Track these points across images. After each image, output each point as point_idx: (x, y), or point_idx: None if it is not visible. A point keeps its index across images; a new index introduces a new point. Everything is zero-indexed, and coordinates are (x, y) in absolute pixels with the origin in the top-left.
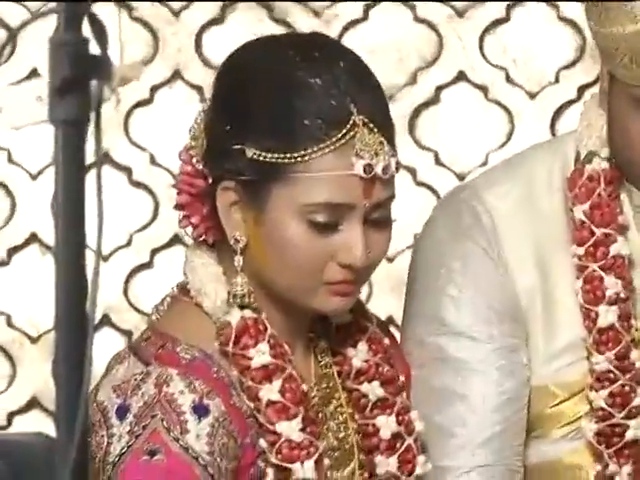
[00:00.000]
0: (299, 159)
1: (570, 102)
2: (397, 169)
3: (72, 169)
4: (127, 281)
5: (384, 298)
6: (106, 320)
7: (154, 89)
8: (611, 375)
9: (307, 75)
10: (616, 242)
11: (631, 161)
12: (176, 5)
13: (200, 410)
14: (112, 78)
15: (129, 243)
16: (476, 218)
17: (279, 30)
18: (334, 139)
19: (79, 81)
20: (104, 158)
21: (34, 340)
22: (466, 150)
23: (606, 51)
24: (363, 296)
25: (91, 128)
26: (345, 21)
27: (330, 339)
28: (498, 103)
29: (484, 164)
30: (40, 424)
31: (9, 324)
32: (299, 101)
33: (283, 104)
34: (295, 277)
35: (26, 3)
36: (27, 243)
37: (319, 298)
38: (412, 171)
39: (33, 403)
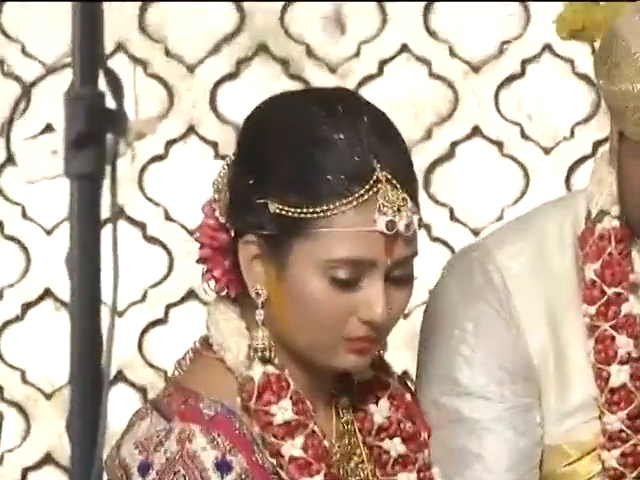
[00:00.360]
0: (321, 214)
1: (585, 157)
2: (420, 226)
3: (87, 223)
4: (141, 337)
5: (399, 353)
6: (120, 376)
7: (169, 144)
8: (623, 435)
9: (330, 130)
10: (627, 301)
11: (633, 211)
12: (191, 60)
13: (223, 467)
14: (128, 132)
15: (143, 298)
16: (487, 278)
17: (294, 86)
18: (356, 195)
19: (95, 135)
20: (119, 214)
21: (48, 396)
22: (481, 205)
23: (615, 109)
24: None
25: (107, 182)
26: (360, 76)
27: (351, 395)
28: (513, 158)
29: (499, 219)
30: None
31: (24, 380)
32: (322, 156)
33: (306, 159)
34: (315, 333)
35: (40, 58)
36: (41, 298)
37: (339, 355)
38: (427, 227)
39: (47, 459)
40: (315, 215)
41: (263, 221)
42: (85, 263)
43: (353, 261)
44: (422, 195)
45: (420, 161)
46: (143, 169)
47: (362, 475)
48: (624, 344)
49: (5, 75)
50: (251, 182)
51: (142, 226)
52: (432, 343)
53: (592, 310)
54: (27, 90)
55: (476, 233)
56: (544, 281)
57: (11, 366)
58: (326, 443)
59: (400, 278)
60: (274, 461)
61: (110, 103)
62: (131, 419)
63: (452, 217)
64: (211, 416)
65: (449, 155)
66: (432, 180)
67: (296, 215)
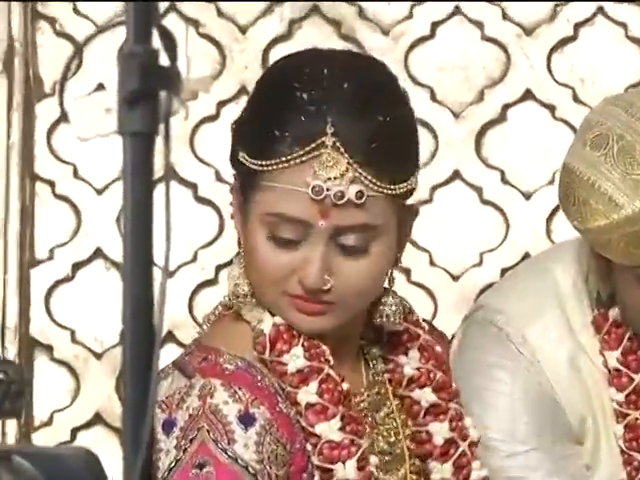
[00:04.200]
0: (267, 168)
1: None
2: (364, 199)
3: (140, 182)
4: (192, 297)
5: (448, 316)
6: (170, 336)
7: (220, 105)
8: None
9: (298, 90)
10: None
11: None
12: (243, 21)
13: (246, 419)
14: (181, 90)
15: (194, 259)
16: (526, 361)
17: (346, 47)
18: (294, 155)
19: (148, 93)
20: (171, 173)
21: (98, 356)
22: (533, 169)
23: (599, 244)
24: (428, 315)
25: (159, 141)
26: (413, 38)
27: (382, 347)
28: (565, 122)
29: (550, 182)
30: (104, 440)
31: (73, 339)
32: (277, 113)
33: (264, 113)
34: (261, 286)
35: (91, 17)
36: (92, 258)
37: (287, 312)
38: (478, 190)
39: (97, 419)
40: (262, 168)
41: (238, 169)
42: (137, 223)
43: (289, 219)
44: (473, 158)
45: (472, 124)
46: (194, 129)
47: (392, 425)
48: None
49: (57, 34)
50: (234, 126)
51: (193, 186)
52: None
53: (621, 397)
54: (79, 49)
55: (527, 196)
56: (574, 352)
57: (61, 326)
58: (345, 385)
59: (351, 247)
60: (293, 409)
61: (164, 61)
62: None
63: (503, 180)
64: (231, 370)
65: (501, 118)
66: (483, 143)
67: (251, 166)
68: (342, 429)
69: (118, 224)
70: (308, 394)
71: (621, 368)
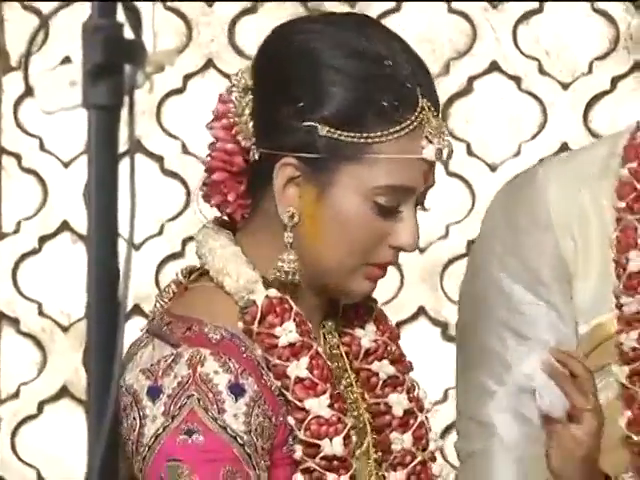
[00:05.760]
0: (376, 140)
1: (603, 93)
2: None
3: (105, 155)
4: (158, 270)
5: (415, 289)
6: (137, 309)
7: (187, 78)
8: None
9: (379, 57)
10: None
11: None
12: None
13: (236, 389)
14: (146, 63)
15: (160, 232)
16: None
17: None
18: (408, 122)
19: (113, 66)
20: (137, 146)
21: (65, 329)
22: (498, 141)
23: None
24: (394, 287)
25: (124, 114)
26: (378, 12)
27: (337, 320)
28: (531, 94)
29: (516, 155)
30: (70, 412)
31: (40, 313)
32: (375, 82)
33: (359, 83)
34: (344, 255)
35: None
36: (58, 231)
37: (356, 280)
38: (444, 161)
39: (63, 392)
40: (369, 140)
41: (308, 143)
42: (102, 196)
43: (397, 188)
44: None
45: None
46: (161, 102)
47: (352, 397)
48: None
49: (24, 8)
50: (300, 105)
51: (159, 159)
52: None
53: (622, 204)
54: (45, 22)
55: (493, 168)
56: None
57: (28, 299)
58: (332, 366)
59: (421, 206)
60: (279, 383)
61: (128, 34)
62: (130, 350)
63: (469, 152)
64: (218, 340)
65: (467, 90)
66: (450, 115)
67: (348, 139)
68: (331, 406)
69: (84, 197)
70: (299, 368)
71: (630, 177)
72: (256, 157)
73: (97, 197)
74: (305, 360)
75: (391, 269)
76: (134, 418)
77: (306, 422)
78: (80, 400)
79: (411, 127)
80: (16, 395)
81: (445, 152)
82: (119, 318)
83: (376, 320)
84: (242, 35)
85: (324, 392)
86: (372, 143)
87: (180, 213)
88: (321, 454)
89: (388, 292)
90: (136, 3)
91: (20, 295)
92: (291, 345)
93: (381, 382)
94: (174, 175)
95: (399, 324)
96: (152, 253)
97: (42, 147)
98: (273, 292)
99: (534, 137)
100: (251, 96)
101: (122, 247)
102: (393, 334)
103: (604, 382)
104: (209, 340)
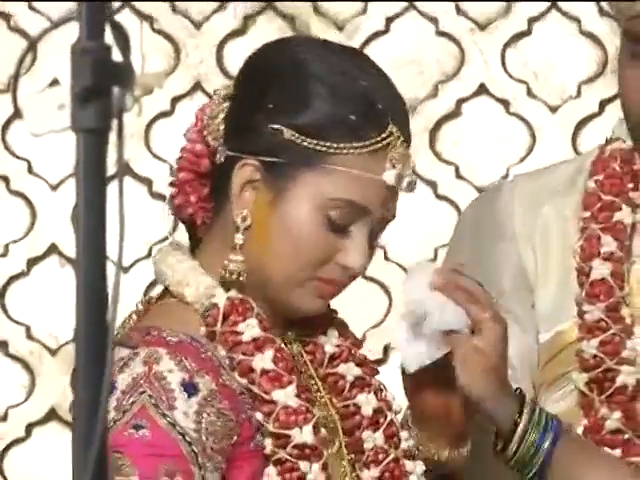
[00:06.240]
0: (337, 151)
1: (592, 116)
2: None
3: (93, 178)
4: (147, 293)
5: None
6: None
7: (175, 100)
8: (602, 324)
9: (358, 76)
10: (620, 210)
11: (628, 112)
12: (197, 17)
13: (189, 388)
14: (134, 85)
15: (149, 254)
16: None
17: None
18: (373, 141)
19: (101, 89)
20: (125, 169)
21: (53, 352)
22: (487, 164)
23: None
24: (383, 310)
25: (113, 137)
26: (367, 34)
27: (297, 330)
28: (519, 117)
29: (504, 178)
30: (58, 435)
31: (28, 336)
32: (350, 94)
33: (333, 93)
34: (292, 265)
35: (46, 12)
36: (47, 254)
37: (301, 294)
38: (432, 184)
39: (52, 415)
40: (331, 150)
41: (271, 147)
42: (91, 219)
43: (353, 205)
44: (428, 153)
45: (426, 119)
46: (149, 125)
47: (322, 401)
48: (608, 243)
49: (11, 29)
50: (270, 106)
51: (148, 182)
52: None
53: (587, 214)
54: (33, 44)
55: (481, 191)
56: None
57: (16, 322)
58: (295, 362)
59: (376, 235)
60: (244, 380)
61: (117, 57)
62: None
63: (458, 175)
64: (175, 342)
65: (455, 113)
66: (438, 138)
67: (311, 146)
68: (298, 396)
69: (73, 220)
70: (264, 361)
71: (596, 188)
72: (222, 159)
73: (86, 220)
74: (270, 353)
75: (379, 292)
76: None
77: (274, 414)
78: (68, 423)
79: (375, 147)
80: (4, 418)
81: (406, 181)
82: (107, 341)
83: (337, 326)
84: (230, 57)
85: (290, 383)
86: (332, 154)
87: (168, 236)
88: (292, 444)
89: (376, 316)
90: (123, 24)
91: (8, 318)
92: (255, 340)
93: (348, 384)
94: (162, 198)
95: (387, 349)
96: (140, 276)
97: (30, 170)
98: (234, 293)
99: (522, 160)
100: (229, 102)
101: (111, 270)
102: (356, 341)
103: (564, 389)
104: (167, 342)
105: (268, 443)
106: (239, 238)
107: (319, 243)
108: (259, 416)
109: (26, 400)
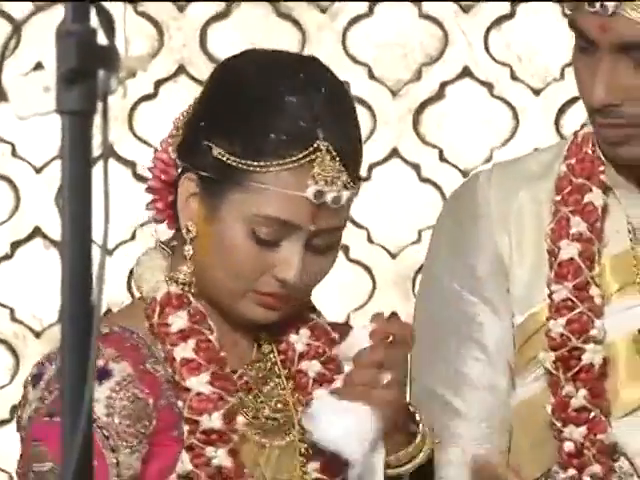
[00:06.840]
0: (257, 169)
1: (575, 99)
2: (349, 204)
3: (78, 160)
4: (131, 275)
5: (387, 293)
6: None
7: (159, 84)
8: (569, 303)
9: (285, 92)
10: (591, 192)
11: (583, 101)
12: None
13: (102, 374)
14: (119, 68)
15: (133, 237)
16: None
17: (284, 25)
18: (294, 158)
19: (86, 71)
20: (110, 151)
21: (37, 334)
22: (470, 146)
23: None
24: (366, 292)
25: (98, 119)
26: (350, 16)
27: (271, 330)
28: (503, 99)
29: (488, 160)
30: None
31: (13, 318)
32: (270, 115)
33: (255, 114)
34: (228, 278)
35: None
36: (31, 237)
37: (246, 305)
38: (416, 167)
39: None
40: (251, 168)
41: (205, 163)
42: (75, 201)
43: (278, 221)
44: (411, 136)
45: (409, 102)
46: (133, 108)
47: (279, 396)
48: (577, 224)
49: None
50: (202, 124)
51: (132, 165)
52: None
53: (558, 197)
54: (17, 28)
55: (465, 174)
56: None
57: (0, 304)
58: (223, 354)
59: (322, 246)
60: (170, 369)
61: (101, 40)
62: None
63: (441, 158)
64: (106, 333)
65: (438, 96)
66: (421, 121)
67: (234, 164)
68: (211, 384)
69: (57, 203)
70: (185, 350)
71: (567, 172)
72: (179, 170)
73: (70, 202)
74: (192, 342)
75: (363, 274)
76: (22, 404)
77: (188, 400)
78: None
79: (296, 164)
80: None
81: (330, 196)
82: (93, 323)
83: (312, 327)
84: (214, 41)
85: (205, 370)
86: (258, 172)
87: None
88: (200, 429)
89: (360, 297)
90: (107, 7)
91: None
92: (181, 331)
93: (311, 380)
94: (146, 181)
95: None
96: (124, 258)
97: (14, 153)
98: (174, 289)
99: (506, 143)
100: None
101: (95, 252)
102: (332, 342)
103: (537, 372)
104: (101, 336)
105: (185, 430)
106: (188, 249)
107: (249, 258)
108: (180, 404)
109: (10, 382)
